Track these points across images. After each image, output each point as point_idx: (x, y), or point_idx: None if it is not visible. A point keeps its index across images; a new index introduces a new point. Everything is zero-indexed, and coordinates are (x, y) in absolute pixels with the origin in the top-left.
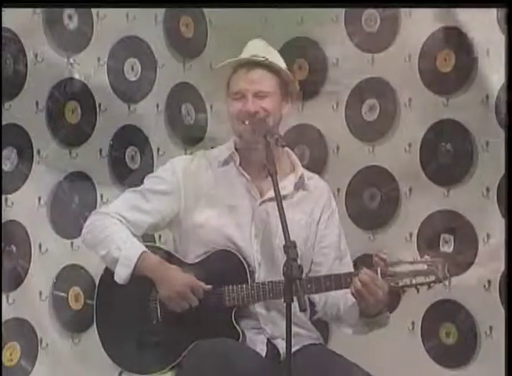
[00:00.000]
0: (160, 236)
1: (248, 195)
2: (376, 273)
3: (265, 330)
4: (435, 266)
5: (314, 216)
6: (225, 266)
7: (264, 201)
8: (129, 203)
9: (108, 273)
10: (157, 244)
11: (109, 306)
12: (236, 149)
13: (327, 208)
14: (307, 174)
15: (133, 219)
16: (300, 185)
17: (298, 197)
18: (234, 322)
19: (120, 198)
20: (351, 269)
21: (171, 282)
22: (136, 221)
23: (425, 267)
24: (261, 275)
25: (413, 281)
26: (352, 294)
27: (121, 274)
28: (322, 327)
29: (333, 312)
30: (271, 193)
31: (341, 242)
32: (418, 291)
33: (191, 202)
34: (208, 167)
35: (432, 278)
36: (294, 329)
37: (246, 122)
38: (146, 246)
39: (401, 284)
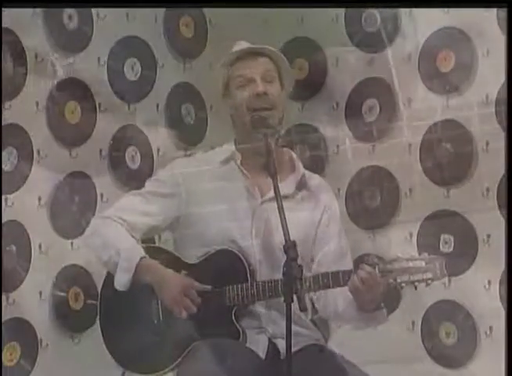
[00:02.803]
0: (159, 237)
1: (249, 194)
2: (375, 270)
3: (266, 330)
4: (433, 264)
5: (315, 215)
6: (225, 266)
7: (265, 201)
8: (130, 206)
9: (112, 274)
10: (158, 245)
11: (113, 306)
12: (236, 149)
13: (328, 208)
14: (308, 174)
15: (134, 222)
16: (301, 185)
17: (300, 196)
18: (235, 321)
19: (122, 201)
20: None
21: (168, 287)
22: (137, 224)
23: (423, 264)
24: (262, 274)
25: (411, 278)
26: (350, 291)
27: (121, 280)
28: (322, 326)
29: (331, 309)
30: (272, 193)
31: (342, 241)
32: (416, 288)
33: (192, 203)
34: (208, 167)
35: (429, 275)
36: (295, 328)
37: (255, 112)
38: (147, 246)
39: (399, 281)
